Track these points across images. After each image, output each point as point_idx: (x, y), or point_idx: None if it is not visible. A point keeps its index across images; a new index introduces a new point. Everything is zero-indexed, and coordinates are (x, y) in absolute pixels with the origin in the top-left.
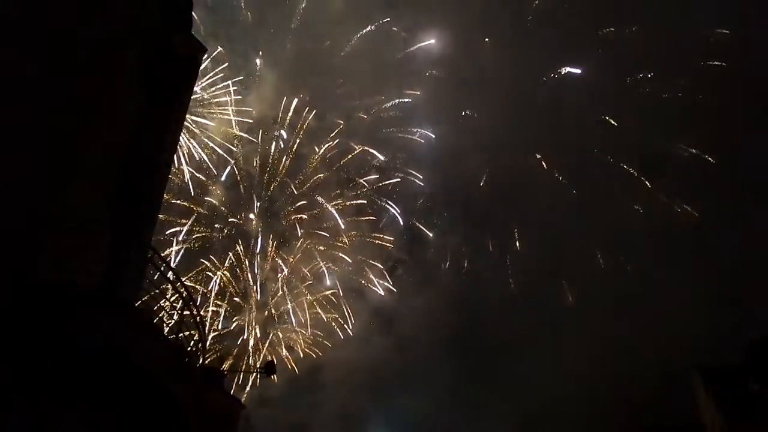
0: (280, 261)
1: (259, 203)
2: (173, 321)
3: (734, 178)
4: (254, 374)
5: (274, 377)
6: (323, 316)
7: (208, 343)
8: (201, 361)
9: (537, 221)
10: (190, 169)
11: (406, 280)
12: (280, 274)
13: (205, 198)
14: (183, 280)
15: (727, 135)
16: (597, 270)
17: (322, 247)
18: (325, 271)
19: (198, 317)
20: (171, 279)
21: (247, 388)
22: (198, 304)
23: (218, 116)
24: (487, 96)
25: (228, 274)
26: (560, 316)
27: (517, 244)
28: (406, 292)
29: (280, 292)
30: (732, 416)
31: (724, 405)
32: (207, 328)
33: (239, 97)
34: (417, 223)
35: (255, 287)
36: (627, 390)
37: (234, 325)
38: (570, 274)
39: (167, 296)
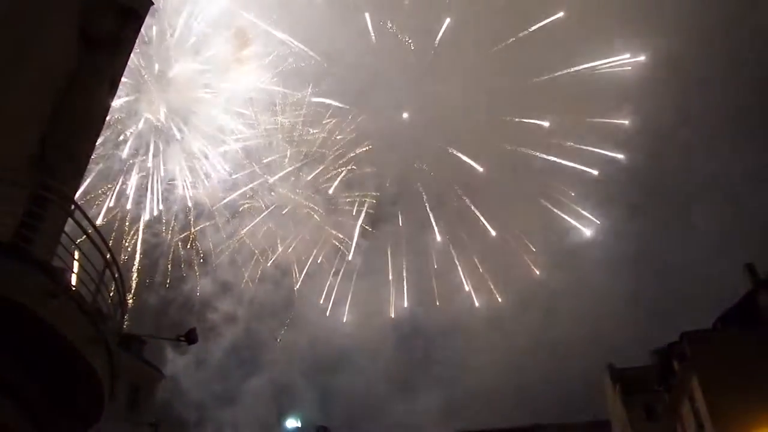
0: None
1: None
2: (92, 282)
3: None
4: (175, 341)
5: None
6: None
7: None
8: (119, 325)
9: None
10: None
11: (354, 263)
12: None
13: None
14: (106, 238)
15: None
16: (531, 274)
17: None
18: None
19: (119, 278)
20: (93, 237)
21: (187, 351)
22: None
23: None
24: None
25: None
26: (496, 312)
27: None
28: (355, 274)
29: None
30: (635, 413)
31: (629, 402)
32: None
33: None
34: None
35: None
36: (549, 384)
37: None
38: (509, 276)
39: (88, 256)
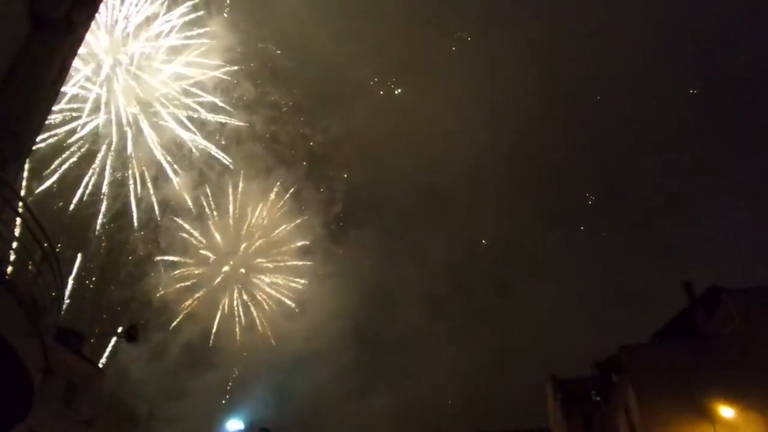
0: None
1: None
2: (28, 272)
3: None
4: (116, 338)
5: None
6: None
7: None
8: (56, 319)
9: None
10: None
11: (321, 268)
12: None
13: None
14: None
15: None
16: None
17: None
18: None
19: (57, 269)
20: (28, 223)
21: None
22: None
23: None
24: None
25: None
26: (451, 322)
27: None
28: (320, 279)
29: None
30: (574, 422)
31: (569, 412)
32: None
33: None
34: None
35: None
36: (498, 393)
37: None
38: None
39: (25, 244)
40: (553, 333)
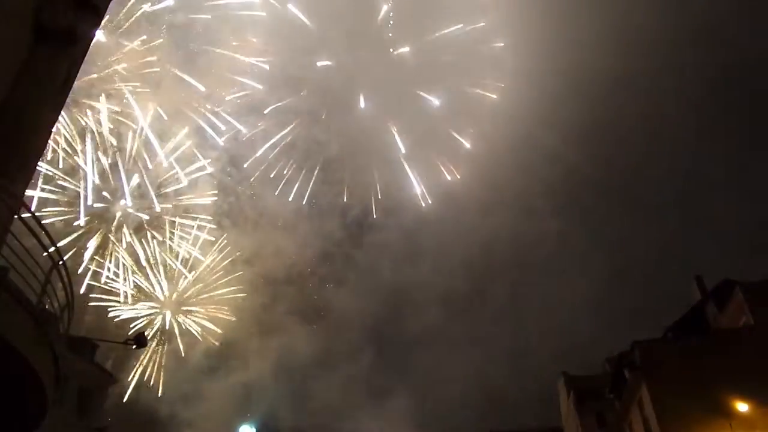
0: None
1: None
2: (38, 281)
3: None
4: (124, 345)
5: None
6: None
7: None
8: (67, 328)
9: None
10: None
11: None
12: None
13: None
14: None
15: None
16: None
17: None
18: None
19: (66, 278)
20: (36, 232)
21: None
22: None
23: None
24: None
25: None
26: (467, 322)
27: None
28: (338, 283)
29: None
30: (587, 420)
31: (582, 410)
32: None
33: None
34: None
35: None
36: (513, 392)
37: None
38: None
39: (32, 253)
40: (566, 330)
